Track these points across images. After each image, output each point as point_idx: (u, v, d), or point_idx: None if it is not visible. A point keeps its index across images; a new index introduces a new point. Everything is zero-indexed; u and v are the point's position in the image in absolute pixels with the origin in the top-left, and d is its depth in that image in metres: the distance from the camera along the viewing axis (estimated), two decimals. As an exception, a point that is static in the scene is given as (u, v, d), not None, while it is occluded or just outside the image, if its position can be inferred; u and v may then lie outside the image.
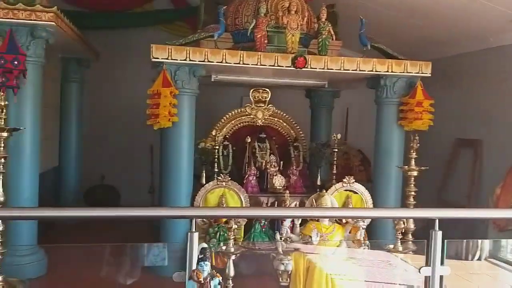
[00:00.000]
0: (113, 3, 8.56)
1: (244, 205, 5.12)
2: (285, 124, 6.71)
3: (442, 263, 2.65)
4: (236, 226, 4.23)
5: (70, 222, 6.65)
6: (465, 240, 3.41)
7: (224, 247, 3.46)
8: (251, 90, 6.41)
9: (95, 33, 8.02)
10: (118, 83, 8.46)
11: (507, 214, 2.88)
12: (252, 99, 6.44)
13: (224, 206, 5.02)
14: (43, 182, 6.12)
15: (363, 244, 3.96)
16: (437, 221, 2.61)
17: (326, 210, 3.01)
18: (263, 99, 6.49)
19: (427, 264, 2.65)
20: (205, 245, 2.33)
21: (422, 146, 7.68)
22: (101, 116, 8.54)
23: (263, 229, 5.21)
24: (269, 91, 6.44)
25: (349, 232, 4.13)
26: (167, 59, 4.77)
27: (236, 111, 6.45)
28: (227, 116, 6.45)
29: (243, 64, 4.95)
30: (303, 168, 6.54)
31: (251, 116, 6.50)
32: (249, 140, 6.16)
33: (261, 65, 5.00)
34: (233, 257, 3.41)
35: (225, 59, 4.90)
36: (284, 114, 6.65)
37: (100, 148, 8.54)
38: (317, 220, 3.78)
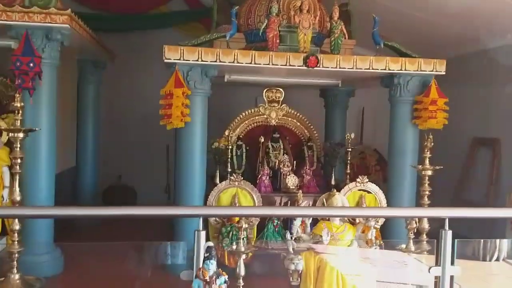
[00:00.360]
0: (128, 6, 8.68)
1: (256, 205, 5.12)
2: (298, 123, 6.69)
3: (452, 263, 2.61)
4: (247, 226, 4.24)
5: (86, 222, 6.76)
6: (476, 240, 3.35)
7: (234, 247, 3.47)
8: (265, 90, 6.42)
9: (111, 35, 8.14)
10: (134, 84, 8.57)
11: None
12: (265, 99, 6.44)
13: (237, 205, 5.03)
14: (60, 182, 6.24)
15: (374, 244, 3.93)
16: (446, 220, 2.57)
17: (332, 209, 3.00)
18: (277, 99, 6.49)
19: (437, 264, 2.61)
20: (211, 243, 2.34)
21: (439, 145, 7.58)
22: (118, 117, 8.66)
23: (276, 229, 5.21)
24: (283, 91, 6.44)
25: (361, 232, 4.10)
26: (179, 59, 4.81)
27: (249, 111, 6.47)
28: (241, 116, 6.47)
29: (255, 64, 4.96)
30: (317, 167, 6.52)
31: (265, 116, 6.51)
32: (262, 139, 6.17)
33: (273, 64, 5.00)
34: (243, 256, 3.42)
35: (237, 59, 4.91)
36: (298, 114, 6.64)
37: (117, 148, 8.66)
38: (328, 220, 3.77)
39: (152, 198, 7.67)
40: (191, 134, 5.06)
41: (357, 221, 4.07)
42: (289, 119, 6.64)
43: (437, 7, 6.27)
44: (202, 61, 4.85)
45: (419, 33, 7.26)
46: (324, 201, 4.46)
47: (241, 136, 6.37)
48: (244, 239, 4.77)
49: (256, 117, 6.53)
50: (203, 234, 2.38)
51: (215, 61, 4.88)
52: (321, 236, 3.68)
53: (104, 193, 8.49)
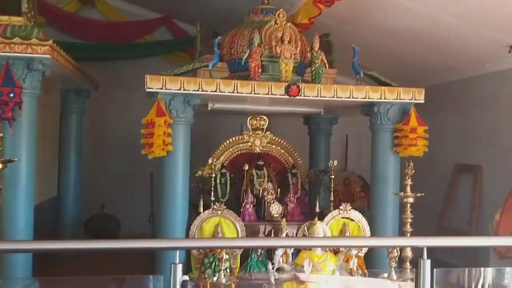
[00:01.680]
0: (113, 36, 8.77)
1: (240, 234, 5.08)
2: (283, 151, 6.70)
3: (431, 292, 2.60)
4: (227, 256, 4.19)
5: (66, 254, 6.63)
6: (458, 269, 3.34)
7: (215, 278, 3.41)
8: (249, 118, 6.44)
9: (95, 64, 8.20)
10: (118, 113, 8.58)
11: (496, 241, 2.83)
12: (249, 126, 6.46)
13: (220, 235, 4.98)
14: (41, 213, 6.14)
15: (356, 273, 3.90)
16: (425, 249, 2.57)
17: (310, 240, 2.97)
18: (261, 127, 6.51)
19: (416, 293, 2.60)
20: (186, 277, 2.30)
21: (422, 172, 7.64)
22: (101, 146, 8.63)
23: (260, 259, 5.14)
24: (267, 119, 6.47)
25: (343, 261, 4.07)
26: (161, 88, 4.84)
27: (233, 138, 6.47)
28: (225, 144, 6.46)
29: (238, 93, 5.01)
30: (301, 195, 6.50)
31: (249, 143, 6.51)
32: (247, 167, 6.16)
33: (255, 93, 5.05)
34: (224, 288, 3.36)
35: (220, 88, 4.95)
36: (282, 141, 6.66)
37: (100, 177, 8.60)
38: (310, 249, 3.73)
39: (136, 228, 7.57)
40: (173, 163, 5.04)
41: (341, 249, 4.04)
42: (273, 146, 6.65)
43: (415, 37, 6.43)
44: (184, 90, 4.88)
45: (399, 63, 7.42)
46: (306, 230, 4.44)
47: (225, 164, 6.36)
48: (227, 269, 4.73)
49: (240, 145, 6.53)
50: (179, 267, 2.34)
51: (198, 90, 4.91)
52: (302, 266, 3.64)
53: (87, 222, 8.35)
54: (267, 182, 6.15)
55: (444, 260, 6.86)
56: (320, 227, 4.24)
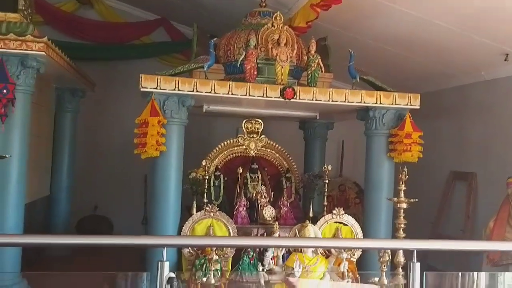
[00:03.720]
0: (110, 37, 8.76)
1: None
2: (277, 155, 6.67)
3: (421, 296, 2.58)
4: (217, 257, 4.15)
5: (55, 252, 6.58)
6: (449, 273, 3.32)
7: (205, 279, 3.37)
8: (244, 121, 6.42)
9: (92, 64, 8.18)
10: (114, 113, 8.54)
11: (486, 246, 2.81)
12: (244, 129, 6.44)
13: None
14: (32, 212, 6.09)
15: (347, 277, 3.87)
16: (415, 252, 2.55)
17: (297, 240, 2.93)
18: (256, 130, 6.48)
19: (406, 297, 2.57)
20: (172, 274, 2.27)
21: (417, 179, 7.62)
22: (96, 146, 8.58)
23: (252, 261, 5.10)
24: (262, 122, 6.45)
25: (334, 265, 4.04)
26: (156, 88, 4.81)
27: (228, 141, 6.44)
28: (220, 146, 6.43)
29: (232, 94, 4.99)
30: (295, 199, 6.48)
31: (244, 146, 6.48)
32: (240, 170, 6.13)
33: (250, 96, 5.04)
34: (213, 289, 3.32)
35: (214, 89, 4.93)
36: (277, 145, 6.63)
37: (93, 178, 8.54)
38: (301, 251, 3.70)
39: (129, 230, 7.51)
40: (166, 164, 5.01)
41: (332, 252, 4.01)
42: (268, 150, 6.63)
43: (412, 44, 6.44)
44: (179, 90, 4.86)
45: (396, 69, 7.43)
46: (297, 232, 4.40)
47: (219, 167, 6.33)
48: (218, 271, 4.69)
49: (235, 148, 6.50)
50: (166, 264, 2.31)
51: (192, 91, 4.89)
52: (293, 268, 3.61)
53: (79, 223, 8.30)
54: (261, 186, 6.13)
55: (437, 267, 6.85)
56: (311, 229, 4.21)
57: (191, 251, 4.96)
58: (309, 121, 7.64)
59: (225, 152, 6.50)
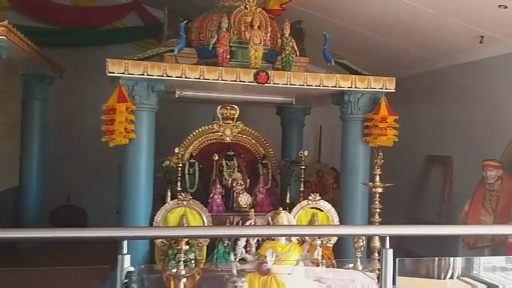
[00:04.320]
0: (82, 21, 8.46)
1: (206, 225, 4.93)
2: (253, 141, 6.56)
3: (394, 282, 2.51)
4: (187, 247, 4.04)
5: (23, 245, 6.38)
6: (424, 258, 3.27)
7: (174, 270, 3.26)
8: (219, 107, 6.27)
9: (63, 50, 7.90)
10: (85, 100, 8.26)
11: (460, 230, 2.76)
12: (219, 115, 6.29)
13: (185, 226, 4.82)
14: (0, 202, 5.88)
15: (321, 264, 3.80)
16: (387, 238, 2.47)
17: (266, 229, 2.83)
18: (231, 116, 6.34)
19: (379, 283, 2.50)
20: (131, 268, 2.15)
21: (393, 163, 7.61)
22: (68, 134, 8.32)
23: (227, 250, 5.01)
24: (238, 108, 6.31)
25: (308, 251, 3.97)
26: (123, 73, 4.63)
27: (203, 128, 6.29)
28: (194, 133, 6.28)
29: (204, 79, 4.84)
30: (271, 186, 6.39)
31: (219, 133, 6.35)
32: (216, 157, 6.00)
33: (222, 80, 4.89)
34: (184, 280, 3.21)
35: (185, 74, 4.76)
36: (253, 131, 6.51)
37: (66, 167, 8.30)
38: (274, 239, 3.62)
39: (104, 220, 7.33)
40: (136, 152, 4.85)
41: (306, 239, 3.93)
42: (244, 136, 6.50)
43: (388, 27, 6.36)
44: (148, 75, 4.68)
45: (372, 53, 7.36)
46: (270, 220, 4.32)
47: (194, 154, 6.20)
48: (192, 261, 4.58)
49: (210, 134, 6.36)
50: (127, 258, 2.18)
51: (162, 76, 4.71)
52: (266, 257, 3.52)
53: (52, 214, 8.13)
54: (237, 173, 6.02)
55: (414, 251, 6.89)
56: (285, 216, 4.13)
57: (164, 241, 4.83)
58: (285, 106, 7.53)
59: (200, 139, 6.36)
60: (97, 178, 8.27)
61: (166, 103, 7.83)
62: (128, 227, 2.07)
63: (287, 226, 3.05)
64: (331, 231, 2.76)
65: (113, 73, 4.61)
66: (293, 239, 3.87)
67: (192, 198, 4.99)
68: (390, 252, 2.47)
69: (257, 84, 4.95)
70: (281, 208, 4.61)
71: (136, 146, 4.82)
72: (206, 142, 6.37)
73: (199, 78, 4.79)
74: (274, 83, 4.99)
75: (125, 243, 2.20)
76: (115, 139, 4.51)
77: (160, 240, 4.83)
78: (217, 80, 4.85)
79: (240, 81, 4.91)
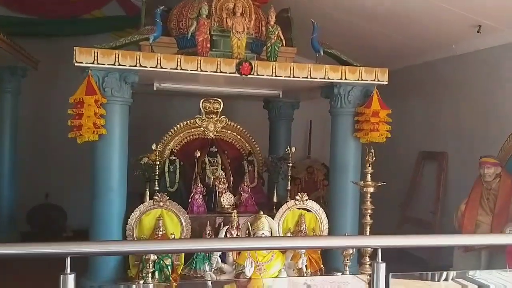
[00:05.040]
0: (59, 10, 8.02)
1: (184, 228, 4.58)
2: (239, 136, 6.21)
3: (386, 299, 2.17)
4: (155, 257, 3.68)
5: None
6: (413, 273, 2.95)
7: (141, 282, 2.90)
8: (201, 100, 5.91)
9: (38, 40, 7.48)
10: (61, 93, 7.73)
11: (457, 241, 2.43)
12: (202, 110, 5.93)
13: (161, 229, 4.46)
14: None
15: (305, 274, 3.47)
16: (379, 250, 2.14)
17: (243, 241, 2.46)
18: (215, 110, 5.99)
19: (370, 295, 2.17)
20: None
21: (385, 160, 7.30)
22: (44, 129, 7.89)
23: (207, 255, 4.65)
24: (222, 102, 5.95)
25: (291, 260, 3.64)
26: (92, 63, 4.23)
27: (185, 123, 5.93)
28: (175, 128, 5.93)
29: (182, 69, 4.45)
30: (258, 184, 6.05)
31: (202, 128, 5.99)
32: (198, 154, 5.64)
33: (201, 71, 4.51)
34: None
35: (160, 64, 4.38)
36: (238, 126, 6.15)
37: (43, 163, 7.90)
38: (253, 247, 3.28)
39: (84, 219, 6.97)
40: (108, 148, 4.46)
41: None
42: (229, 132, 6.15)
43: (380, 17, 6.00)
44: (119, 65, 4.29)
45: (364, 45, 7.01)
46: (249, 226, 3.97)
47: (174, 151, 5.84)
48: (168, 267, 4.22)
49: (192, 130, 6.01)
50: (71, 279, 1.82)
51: (135, 66, 4.32)
52: (244, 266, 3.17)
53: (29, 213, 7.74)
54: (220, 171, 5.67)
55: (409, 251, 6.60)
56: (266, 222, 3.77)
57: (139, 245, 4.47)
58: (273, 100, 7.18)
59: (182, 135, 6.00)
60: (76, 175, 7.87)
61: (146, 96, 7.48)
62: (72, 242, 1.74)
63: (266, 239, 2.67)
64: (316, 244, 2.41)
65: (81, 62, 4.22)
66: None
67: (169, 199, 4.62)
68: (382, 267, 2.13)
69: (240, 75, 4.58)
70: (261, 212, 4.25)
71: (108, 142, 4.44)
72: (188, 138, 6.02)
73: (176, 69, 4.41)
74: (258, 75, 4.62)
75: (67, 260, 1.84)
76: (83, 135, 4.12)
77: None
78: (196, 71, 4.47)
79: (221, 72, 4.53)
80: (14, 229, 6.71)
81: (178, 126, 5.92)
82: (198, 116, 5.98)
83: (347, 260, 3.81)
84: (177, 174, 5.62)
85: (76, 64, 4.23)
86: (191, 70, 4.45)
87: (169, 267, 4.21)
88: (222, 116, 6.02)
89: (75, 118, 4.16)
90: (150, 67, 4.35)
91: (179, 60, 4.41)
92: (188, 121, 5.93)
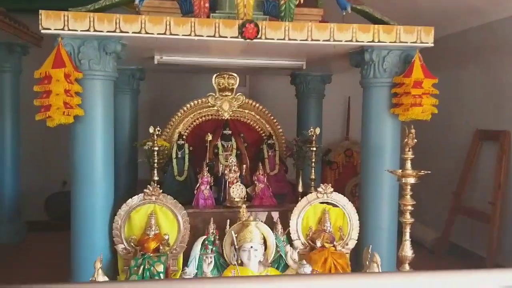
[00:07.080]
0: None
1: (181, 227, 3.82)
2: (258, 117, 5.38)
3: None
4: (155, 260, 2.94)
5: None
6: None
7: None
8: (214, 76, 5.11)
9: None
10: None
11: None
12: (215, 86, 5.14)
13: (153, 228, 3.74)
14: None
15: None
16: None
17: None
18: (230, 86, 5.20)
19: None
20: None
21: (432, 142, 6.23)
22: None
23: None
24: (237, 76, 5.14)
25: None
26: (63, 29, 3.49)
27: (196, 102, 5.18)
28: (184, 109, 5.20)
29: (171, 34, 3.63)
30: (279, 171, 5.22)
31: (215, 108, 5.22)
32: (209, 137, 4.88)
33: (196, 36, 3.66)
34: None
35: (145, 28, 3.57)
36: (257, 105, 5.32)
37: (60, 150, 7.47)
38: (241, 264, 2.45)
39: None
40: (87, 133, 3.72)
41: (291, 264, 2.72)
42: (246, 111, 5.34)
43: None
44: (95, 31, 3.52)
45: (406, 6, 5.92)
46: (233, 234, 3.13)
47: (183, 134, 5.12)
48: (161, 274, 3.50)
49: (204, 110, 5.25)
50: None
51: (114, 31, 3.54)
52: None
53: (47, 201, 7.42)
54: (234, 157, 4.88)
55: (463, 247, 5.71)
56: (255, 232, 2.90)
57: (127, 247, 3.77)
58: (300, 74, 6.27)
59: (192, 116, 5.26)
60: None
61: (159, 74, 6.78)
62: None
63: (278, 278, 1.78)
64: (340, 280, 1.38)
65: (49, 29, 3.49)
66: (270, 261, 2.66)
67: (162, 192, 3.86)
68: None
69: (243, 40, 3.70)
70: (251, 217, 3.37)
71: (87, 125, 3.70)
72: (200, 119, 5.28)
73: (164, 34, 3.58)
74: (266, 38, 3.72)
75: None
76: (51, 116, 3.40)
77: (122, 246, 3.78)
78: (189, 35, 3.63)
79: (221, 37, 3.67)
80: (17, 219, 6.26)
81: (188, 106, 5.19)
82: (210, 94, 5.19)
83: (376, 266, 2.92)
84: (186, 160, 4.92)
85: (42, 31, 3.51)
86: (183, 35, 3.62)
87: (160, 274, 3.48)
88: (239, 94, 5.21)
89: (42, 96, 3.44)
90: (133, 33, 3.55)
91: (167, 22, 3.58)
92: (199, 100, 5.17)
